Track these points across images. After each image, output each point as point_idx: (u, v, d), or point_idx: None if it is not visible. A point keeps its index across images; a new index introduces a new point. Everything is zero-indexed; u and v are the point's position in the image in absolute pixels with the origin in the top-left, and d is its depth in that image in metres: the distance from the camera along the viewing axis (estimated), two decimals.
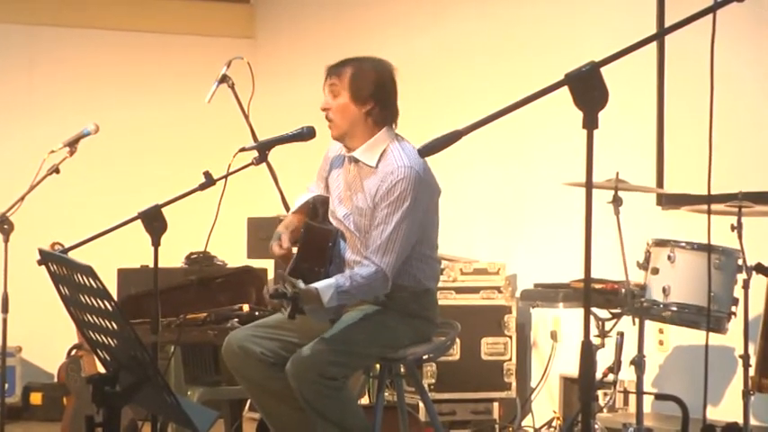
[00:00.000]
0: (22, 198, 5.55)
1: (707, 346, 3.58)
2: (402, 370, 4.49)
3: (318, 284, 4.04)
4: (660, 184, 6.00)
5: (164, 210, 4.04)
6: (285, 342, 4.31)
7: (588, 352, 2.55)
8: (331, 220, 4.41)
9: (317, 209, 4.44)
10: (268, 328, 4.37)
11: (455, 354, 6.38)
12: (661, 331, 5.94)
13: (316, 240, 4.28)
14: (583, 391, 2.57)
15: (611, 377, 5.22)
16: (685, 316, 4.91)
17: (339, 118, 4.31)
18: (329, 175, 4.48)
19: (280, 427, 4.38)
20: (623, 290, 5.00)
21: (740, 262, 4.89)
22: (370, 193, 4.26)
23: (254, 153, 4.35)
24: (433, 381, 6.37)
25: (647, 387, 5.44)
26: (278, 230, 4.37)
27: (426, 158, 4.12)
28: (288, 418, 4.31)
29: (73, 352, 6.30)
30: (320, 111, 4.36)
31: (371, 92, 4.30)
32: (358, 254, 4.29)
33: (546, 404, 6.55)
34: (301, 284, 3.96)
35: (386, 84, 4.35)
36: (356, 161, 4.34)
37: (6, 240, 5.62)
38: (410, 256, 4.27)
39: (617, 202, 5.02)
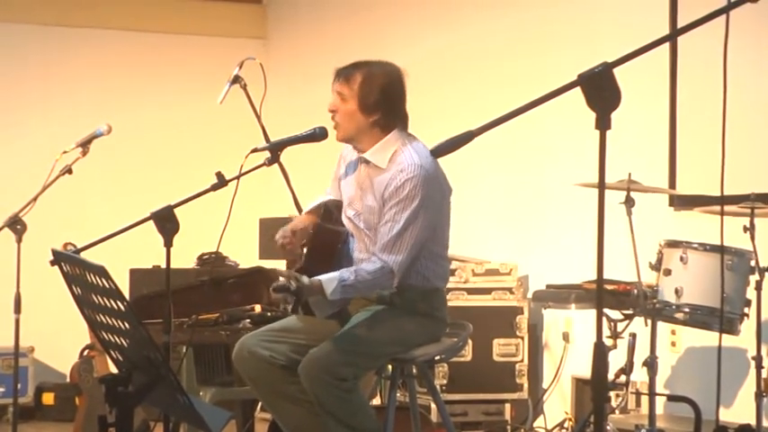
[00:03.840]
0: (35, 198, 5.55)
1: (720, 347, 3.57)
2: (414, 371, 4.49)
3: (322, 277, 4.06)
4: (672, 185, 5.99)
5: (176, 210, 4.03)
6: (294, 344, 4.32)
7: (601, 353, 2.55)
8: (343, 219, 4.41)
9: (330, 212, 4.44)
10: (276, 332, 4.39)
11: (467, 355, 6.37)
12: (673, 332, 5.93)
13: (325, 241, 4.29)
14: (595, 392, 2.56)
15: (623, 378, 5.21)
16: (698, 317, 4.91)
17: (345, 122, 4.32)
18: (342, 176, 4.49)
19: (293, 430, 4.39)
20: (635, 291, 5.00)
21: (753, 263, 4.88)
22: (379, 190, 4.26)
23: (267, 154, 4.34)
24: (445, 382, 6.36)
25: (659, 388, 5.44)
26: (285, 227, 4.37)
27: (438, 159, 4.12)
28: (300, 421, 4.31)
29: (85, 352, 6.32)
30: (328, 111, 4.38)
31: (378, 100, 4.29)
32: (367, 253, 4.29)
33: (558, 405, 6.54)
34: (305, 279, 3.98)
35: (393, 92, 4.34)
36: (367, 162, 4.35)
37: (19, 241, 5.62)
38: (420, 254, 4.27)
39: (629, 203, 5.01)
